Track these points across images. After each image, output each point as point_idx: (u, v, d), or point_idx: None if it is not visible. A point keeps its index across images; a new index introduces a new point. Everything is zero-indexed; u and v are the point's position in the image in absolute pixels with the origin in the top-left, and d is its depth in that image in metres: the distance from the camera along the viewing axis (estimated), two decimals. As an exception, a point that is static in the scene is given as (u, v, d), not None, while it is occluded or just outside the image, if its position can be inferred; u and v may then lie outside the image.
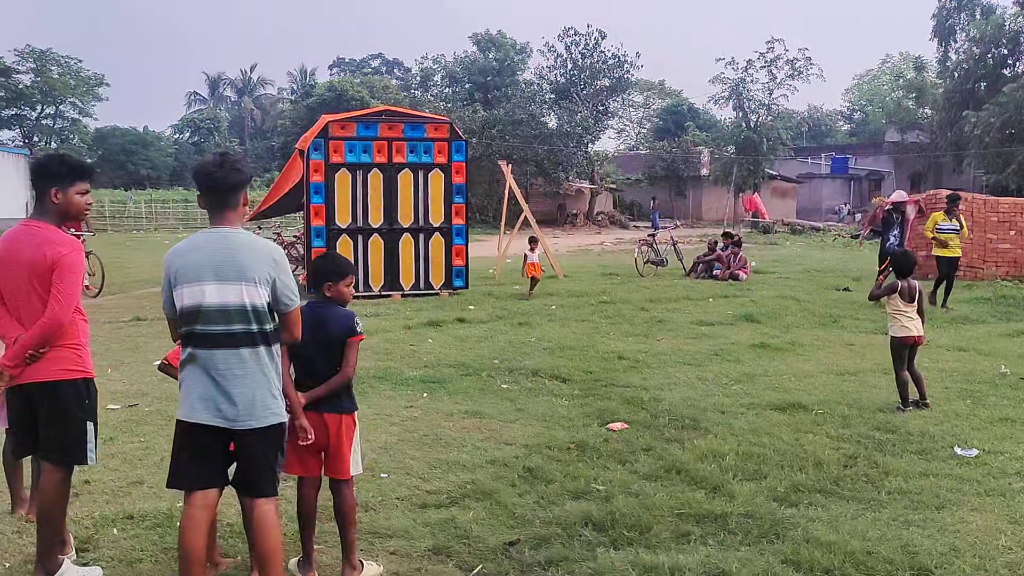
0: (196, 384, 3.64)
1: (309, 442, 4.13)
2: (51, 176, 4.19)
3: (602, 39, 49.23)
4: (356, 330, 4.32)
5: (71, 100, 68.93)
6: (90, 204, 4.35)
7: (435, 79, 60.49)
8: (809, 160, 62.64)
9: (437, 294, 15.45)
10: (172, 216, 45.23)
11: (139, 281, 18.40)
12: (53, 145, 67.60)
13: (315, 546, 4.38)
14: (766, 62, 43.91)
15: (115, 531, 4.73)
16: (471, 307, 13.96)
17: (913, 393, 7.61)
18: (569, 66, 49.96)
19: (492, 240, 23.72)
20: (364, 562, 4.29)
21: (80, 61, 68.52)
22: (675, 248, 21.06)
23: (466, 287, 15.93)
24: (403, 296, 15.18)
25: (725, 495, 5.28)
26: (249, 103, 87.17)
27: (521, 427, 6.93)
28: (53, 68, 66.49)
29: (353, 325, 4.31)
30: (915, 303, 7.78)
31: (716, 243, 19.49)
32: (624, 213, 51.51)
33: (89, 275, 15.71)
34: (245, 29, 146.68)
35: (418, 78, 61.77)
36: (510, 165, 19.36)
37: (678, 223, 36.87)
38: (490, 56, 58.22)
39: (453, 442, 6.48)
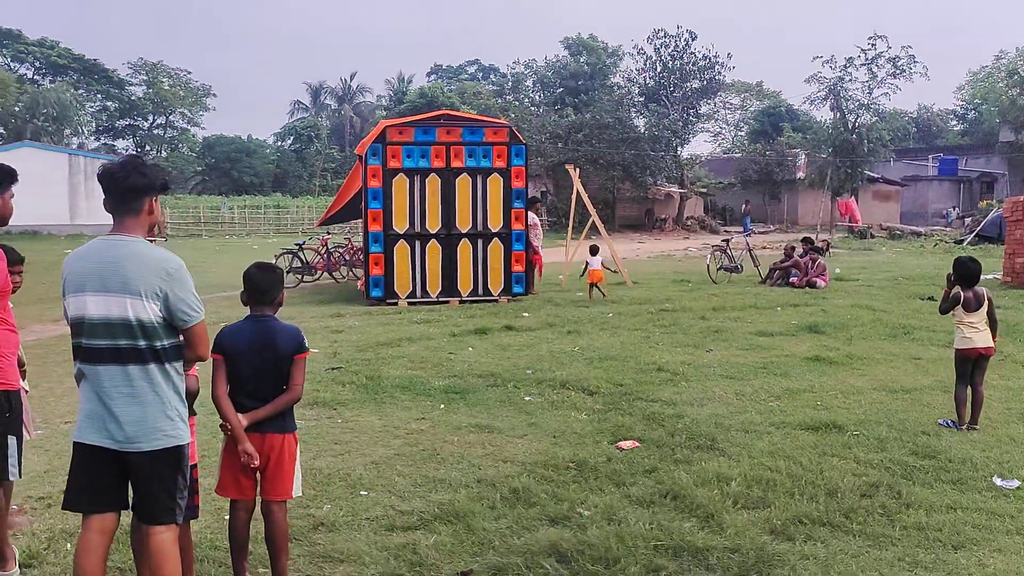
0: (85, 402, 3.47)
1: (255, 466, 3.94)
2: None
3: (692, 40, 48.22)
4: (304, 346, 4.11)
5: (180, 110, 71.75)
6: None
7: (526, 84, 60.37)
8: (916, 162, 60.07)
9: (496, 300, 15.20)
10: (265, 221, 46.37)
11: (211, 286, 18.66)
12: (163, 154, 70.54)
13: (259, 571, 4.17)
14: (866, 60, 42.07)
15: (68, 546, 4.62)
16: (525, 314, 13.66)
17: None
18: (659, 68, 49.06)
19: (580, 246, 23.25)
20: (298, 589, 4.05)
21: (189, 73, 71.53)
22: (751, 254, 20.26)
23: (526, 293, 15.64)
24: (461, 302, 14.99)
25: (716, 525, 4.84)
26: (349, 110, 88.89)
27: (527, 443, 6.60)
28: (164, 80, 69.53)
29: (301, 341, 4.11)
30: (981, 313, 7.16)
31: (794, 249, 18.65)
32: (716, 218, 50.32)
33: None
34: (347, 39, 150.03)
35: (510, 83, 61.78)
36: (578, 169, 18.95)
37: (754, 230, 35.71)
38: (581, 60, 57.76)
39: (450, 458, 6.20)
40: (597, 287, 15.75)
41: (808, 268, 17.84)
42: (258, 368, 3.96)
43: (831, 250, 28.71)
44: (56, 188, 38.15)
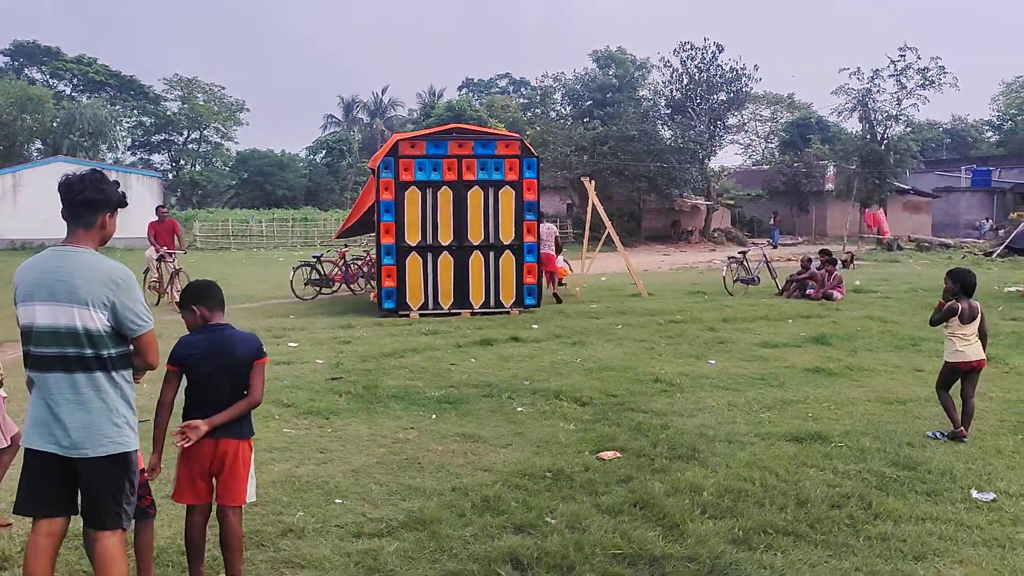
0: (33, 408, 3.59)
1: (187, 444, 4.00)
2: None
3: (719, 52, 48.13)
4: (263, 352, 4.22)
5: (215, 125, 72.66)
6: None
7: (554, 97, 60.53)
8: (948, 173, 59.33)
9: (508, 312, 15.26)
10: (292, 234, 46.84)
11: (234, 297, 18.87)
12: (198, 168, 71.59)
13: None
14: (895, 71, 41.67)
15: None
16: (535, 325, 13.71)
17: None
18: (685, 80, 49.04)
19: (600, 257, 23.27)
20: (252, 593, 4.14)
21: (223, 88, 72.33)
22: (768, 266, 20.15)
23: (538, 305, 15.69)
24: (472, 314, 15.06)
25: (679, 534, 4.87)
26: (380, 124, 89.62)
27: (510, 452, 6.66)
28: (199, 95, 70.47)
29: (259, 347, 4.22)
30: (974, 325, 7.12)
31: (810, 261, 18.53)
32: (743, 229, 50.04)
33: (178, 291, 16.45)
34: (381, 53, 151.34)
35: (538, 96, 61.95)
36: (593, 181, 18.98)
37: (771, 243, 35.60)
38: (609, 73, 57.84)
39: (429, 467, 6.27)
40: (561, 281, 18.45)
41: (825, 280, 17.71)
42: (216, 375, 4.06)
43: (856, 262, 28.46)
44: (87, 202, 38.73)
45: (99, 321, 3.50)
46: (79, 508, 3.70)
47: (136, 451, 3.69)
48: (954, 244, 38.76)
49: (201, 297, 4.17)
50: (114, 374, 3.58)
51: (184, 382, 4.14)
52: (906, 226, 46.93)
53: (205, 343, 4.11)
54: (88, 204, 3.60)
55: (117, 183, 3.79)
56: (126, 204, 3.81)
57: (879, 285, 20.89)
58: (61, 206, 3.66)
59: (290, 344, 11.92)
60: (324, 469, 6.21)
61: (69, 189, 3.61)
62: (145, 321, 3.62)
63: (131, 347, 3.66)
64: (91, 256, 3.58)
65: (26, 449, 3.61)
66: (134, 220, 42.24)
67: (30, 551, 3.60)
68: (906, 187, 49.81)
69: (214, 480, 4.13)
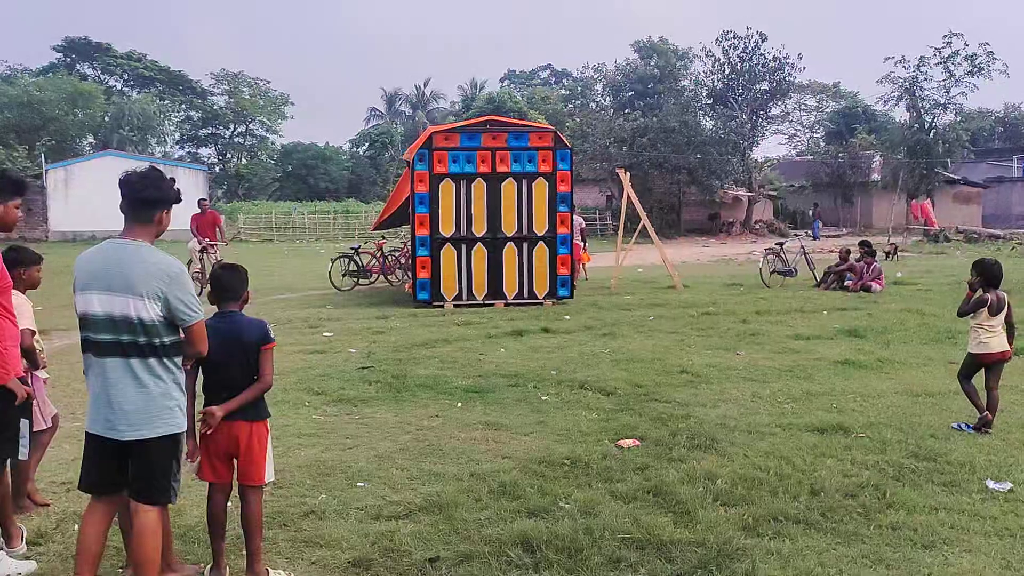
0: (92, 392, 3.81)
1: (207, 430, 4.18)
2: None
3: (763, 41, 47.56)
4: (270, 337, 4.36)
5: (260, 119, 73.56)
6: (22, 217, 4.59)
7: (595, 88, 60.34)
8: (1000, 163, 58.11)
9: (541, 303, 15.36)
10: (334, 226, 47.37)
11: (274, 288, 19.31)
12: (243, 161, 72.60)
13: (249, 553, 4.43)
14: (942, 59, 40.93)
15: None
16: (567, 317, 13.80)
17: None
18: (727, 71, 48.56)
19: (638, 249, 23.39)
20: (270, 571, 4.30)
21: (268, 82, 73.23)
22: (806, 258, 19.99)
23: (571, 296, 15.77)
24: (506, 305, 15.20)
25: (690, 520, 4.94)
26: (423, 117, 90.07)
27: (531, 440, 6.77)
28: (244, 90, 71.42)
29: (267, 332, 4.36)
30: (1001, 317, 7.07)
31: (849, 252, 18.36)
32: (785, 221, 49.48)
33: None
34: (425, 46, 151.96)
35: (579, 88, 61.82)
36: (628, 173, 19.00)
37: (808, 234, 35.33)
38: (651, 63, 57.46)
39: (452, 453, 6.41)
40: (583, 266, 20.56)
41: (864, 272, 17.54)
42: (227, 361, 4.21)
43: (899, 254, 28.07)
44: (137, 195, 39.70)
45: (152, 311, 3.71)
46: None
47: (185, 431, 3.92)
48: (1004, 235, 37.96)
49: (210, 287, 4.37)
50: (166, 360, 3.80)
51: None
52: (955, 217, 46.05)
53: (215, 330, 4.25)
54: (147, 202, 3.80)
55: (173, 180, 3.94)
56: (180, 200, 3.99)
57: (921, 277, 20.62)
58: (120, 199, 3.83)
59: (325, 334, 12.15)
60: (349, 454, 6.38)
61: (129, 186, 3.80)
62: (195, 312, 3.82)
63: (182, 336, 3.86)
64: (146, 250, 3.77)
65: (86, 432, 3.86)
66: (179, 212, 43.29)
67: (87, 516, 3.89)
68: (956, 177, 48.92)
69: (235, 461, 4.30)
